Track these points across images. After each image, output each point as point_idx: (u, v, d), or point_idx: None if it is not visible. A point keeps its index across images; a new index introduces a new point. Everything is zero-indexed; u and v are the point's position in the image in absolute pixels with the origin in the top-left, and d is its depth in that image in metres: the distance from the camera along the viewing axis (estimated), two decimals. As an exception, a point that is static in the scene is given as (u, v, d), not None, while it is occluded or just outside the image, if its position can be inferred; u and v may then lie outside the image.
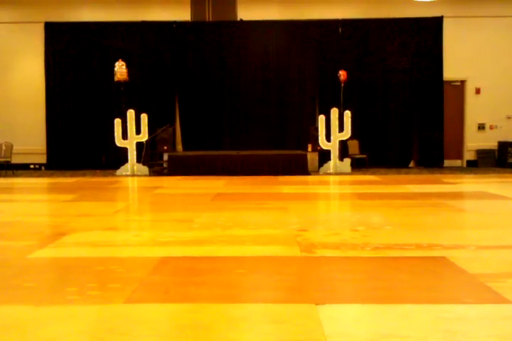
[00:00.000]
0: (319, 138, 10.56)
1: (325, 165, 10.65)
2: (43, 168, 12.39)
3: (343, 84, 11.11)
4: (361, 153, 11.69)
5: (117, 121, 10.56)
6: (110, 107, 11.82)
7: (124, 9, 12.24)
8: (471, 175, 10.15)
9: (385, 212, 5.30)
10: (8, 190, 8.49)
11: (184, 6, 12.16)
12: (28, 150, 12.21)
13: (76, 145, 12.15)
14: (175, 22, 12.13)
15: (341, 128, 10.54)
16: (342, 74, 11.04)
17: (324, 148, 10.64)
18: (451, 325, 2.15)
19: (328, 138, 10.56)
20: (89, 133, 12.11)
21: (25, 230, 4.47)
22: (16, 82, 12.45)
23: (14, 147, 11.50)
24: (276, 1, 12.21)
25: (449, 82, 12.29)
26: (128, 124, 10.53)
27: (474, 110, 12.30)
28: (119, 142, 10.60)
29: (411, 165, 12.27)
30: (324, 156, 10.79)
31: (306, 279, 2.89)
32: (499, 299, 2.48)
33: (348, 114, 10.50)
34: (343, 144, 11.00)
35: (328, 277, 2.93)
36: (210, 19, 12.23)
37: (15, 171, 11.29)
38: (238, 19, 12.17)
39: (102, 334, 2.10)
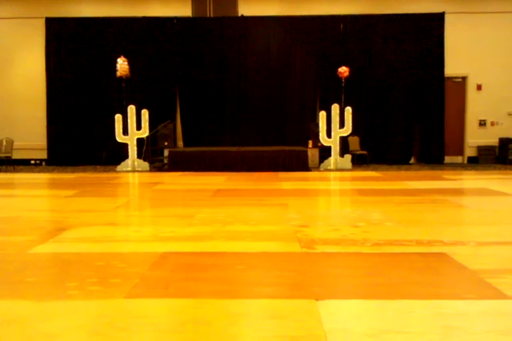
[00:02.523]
0: (320, 134, 10.56)
1: (325, 162, 10.65)
2: (43, 163, 12.40)
3: (344, 81, 11.09)
4: (362, 149, 11.68)
5: (118, 117, 10.55)
6: (111, 103, 11.82)
7: (125, 5, 12.21)
8: (472, 172, 10.14)
9: (386, 208, 5.30)
10: (9, 185, 8.49)
11: (185, 1, 12.13)
12: (28, 145, 12.22)
13: (77, 140, 12.15)
14: (176, 18, 12.09)
15: (342, 125, 10.53)
16: (346, 70, 11.00)
17: (325, 144, 10.64)
18: (451, 321, 2.16)
19: (328, 135, 10.56)
20: (89, 129, 12.11)
21: (26, 225, 4.48)
22: (16, 77, 12.44)
23: (15, 142, 11.51)
24: (278, -3, 12.17)
25: (451, 78, 12.27)
26: (129, 120, 10.53)
27: (475, 106, 12.28)
28: (119, 138, 10.60)
29: (412, 161, 12.27)
30: (325, 152, 10.79)
31: (306, 275, 2.90)
32: (499, 295, 2.49)
33: (348, 110, 10.49)
34: (343, 140, 10.99)
35: (328, 273, 2.94)
36: (211, 15, 12.20)
37: (15, 167, 11.30)
38: (239, 15, 12.14)
39: (103, 329, 2.11)
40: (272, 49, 12.16)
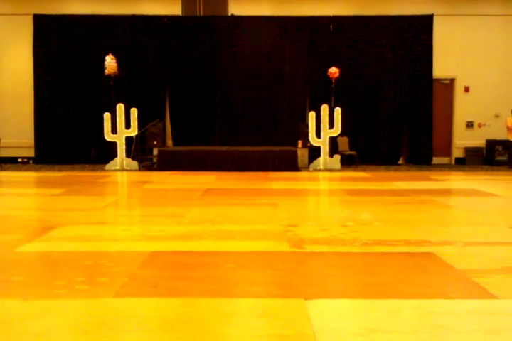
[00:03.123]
0: (309, 134, 10.58)
1: (315, 162, 10.68)
2: (31, 161, 12.28)
3: (334, 81, 11.10)
4: (351, 149, 11.72)
5: (107, 115, 10.48)
6: (99, 101, 11.73)
7: (115, 3, 12.13)
8: (459, 173, 10.24)
9: (374, 208, 5.33)
10: (-4, 183, 8.40)
11: (175, 0, 12.08)
12: (15, 143, 12.09)
13: (65, 139, 12.04)
14: (166, 16, 12.04)
15: (331, 125, 10.56)
16: (336, 71, 11.00)
17: (314, 144, 10.66)
18: (438, 320, 2.18)
19: (318, 135, 10.58)
20: (78, 127, 12.00)
21: (13, 224, 4.43)
22: (3, 74, 12.30)
23: (2, 140, 11.38)
24: (268, -3, 12.18)
25: (439, 80, 12.36)
26: (117, 118, 10.46)
27: (463, 108, 12.39)
28: (108, 136, 10.53)
29: (400, 162, 12.34)
30: (314, 152, 10.82)
31: (296, 274, 2.90)
32: (486, 294, 2.51)
33: (338, 110, 10.53)
34: (333, 141, 11.02)
35: (317, 272, 2.95)
36: (201, 14, 12.17)
37: (2, 165, 11.18)
38: (229, 14, 12.12)
39: (91, 328, 2.10)
40: (262, 49, 12.15)
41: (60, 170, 10.24)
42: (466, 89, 12.35)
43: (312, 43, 12.08)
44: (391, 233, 4.02)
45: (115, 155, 10.53)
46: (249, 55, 12.13)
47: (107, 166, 10.53)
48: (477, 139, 12.39)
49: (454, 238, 3.82)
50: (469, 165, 11.95)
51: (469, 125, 12.44)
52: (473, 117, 12.40)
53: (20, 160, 12.31)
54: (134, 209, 5.68)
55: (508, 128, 11.15)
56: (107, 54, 10.71)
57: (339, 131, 10.65)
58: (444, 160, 12.59)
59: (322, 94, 11.68)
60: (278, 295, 2.51)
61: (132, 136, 10.66)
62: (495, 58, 12.18)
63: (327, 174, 9.82)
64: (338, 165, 10.62)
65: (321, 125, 10.54)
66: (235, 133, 12.17)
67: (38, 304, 2.38)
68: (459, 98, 12.41)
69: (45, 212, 5.26)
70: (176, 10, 12.10)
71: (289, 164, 10.27)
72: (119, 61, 10.77)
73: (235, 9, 12.10)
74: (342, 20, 12.02)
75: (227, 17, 12.10)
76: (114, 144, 10.58)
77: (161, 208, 5.39)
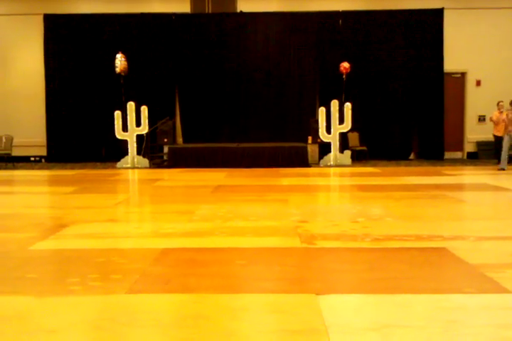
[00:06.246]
0: (319, 130, 10.55)
1: (325, 157, 10.65)
2: (43, 160, 12.39)
3: (345, 76, 11.01)
4: (361, 145, 11.68)
5: (117, 114, 10.54)
6: (110, 99, 11.78)
7: (124, 1, 12.16)
8: (471, 167, 10.15)
9: (386, 203, 5.31)
10: (9, 182, 8.50)
11: (184, -3, 12.10)
12: (28, 142, 12.20)
13: (76, 137, 12.13)
14: (174, 14, 12.06)
15: (341, 121, 10.52)
16: (348, 66, 10.90)
17: (324, 140, 10.63)
18: (450, 315, 2.17)
19: (328, 130, 10.55)
20: (89, 126, 12.08)
21: (27, 222, 4.48)
22: (15, 74, 12.41)
23: (14, 139, 11.49)
24: (276, -7, 12.14)
25: (450, 74, 12.24)
26: (128, 116, 10.52)
27: (475, 102, 12.26)
28: (119, 134, 10.60)
29: (411, 157, 12.26)
30: (325, 148, 10.79)
31: (307, 270, 2.90)
32: (499, 289, 2.50)
33: (348, 106, 10.48)
34: (343, 136, 10.98)
35: (328, 268, 2.95)
36: (210, 11, 12.16)
37: (15, 164, 11.29)
38: (238, 11, 12.10)
39: (104, 324, 2.12)
40: (271, 45, 12.13)
41: (72, 169, 10.32)
42: (478, 83, 12.23)
43: (321, 39, 12.02)
44: (402, 228, 4.00)
45: (126, 153, 10.59)
46: (258, 51, 12.11)
47: (118, 164, 10.60)
48: (489, 133, 12.23)
49: (466, 233, 3.80)
50: (481, 160, 11.83)
51: (481, 119, 12.31)
52: (485, 111, 12.26)
53: (32, 158, 12.43)
54: (145, 206, 5.71)
55: (492, 121, 10.98)
56: (117, 52, 10.76)
57: (349, 127, 10.61)
58: (456, 154, 12.48)
59: (332, 89, 11.62)
60: (289, 291, 2.52)
61: (143, 134, 10.71)
62: (507, 51, 12.03)
63: (337, 170, 9.79)
64: (349, 161, 10.58)
65: (331, 120, 10.50)
66: (244, 130, 12.17)
67: (52, 301, 2.41)
68: (471, 92, 12.29)
69: (57, 210, 5.31)
70: (184, 7, 12.11)
71: (299, 160, 10.26)
72: (128, 59, 10.81)
73: (243, 6, 12.07)
74: (351, 15, 11.94)
75: (236, 14, 12.09)
76: (125, 142, 10.63)
77: (172, 205, 5.41)
